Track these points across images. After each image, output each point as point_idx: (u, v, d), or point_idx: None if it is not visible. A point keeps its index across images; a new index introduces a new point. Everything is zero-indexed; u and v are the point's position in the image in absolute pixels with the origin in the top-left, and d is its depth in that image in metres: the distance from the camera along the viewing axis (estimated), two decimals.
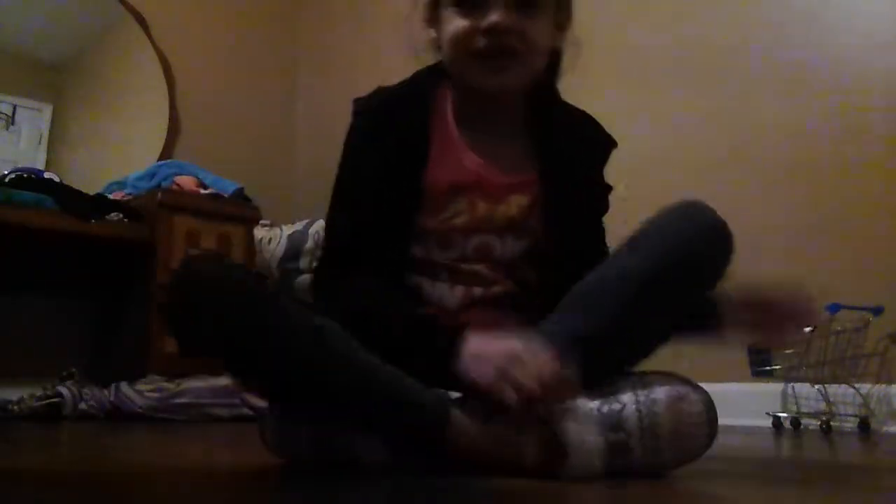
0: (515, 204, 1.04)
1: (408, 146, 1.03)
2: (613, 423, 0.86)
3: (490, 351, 0.86)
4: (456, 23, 0.99)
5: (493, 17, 0.95)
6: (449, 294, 1.02)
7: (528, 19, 0.97)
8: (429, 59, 1.09)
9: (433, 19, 1.06)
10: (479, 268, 1.02)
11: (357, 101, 1.08)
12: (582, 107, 1.13)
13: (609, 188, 1.13)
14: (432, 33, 1.06)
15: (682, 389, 0.89)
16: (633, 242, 0.93)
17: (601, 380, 0.89)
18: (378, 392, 0.86)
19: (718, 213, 0.93)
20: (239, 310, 0.85)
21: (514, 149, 1.07)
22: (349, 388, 0.86)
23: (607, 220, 1.14)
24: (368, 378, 0.87)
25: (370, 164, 1.03)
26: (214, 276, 0.88)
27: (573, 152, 1.07)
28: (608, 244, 1.12)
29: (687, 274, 0.90)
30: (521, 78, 1.01)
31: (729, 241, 0.91)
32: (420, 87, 1.08)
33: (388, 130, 1.04)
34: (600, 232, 1.13)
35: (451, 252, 1.02)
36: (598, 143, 1.11)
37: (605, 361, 0.89)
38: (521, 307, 1.02)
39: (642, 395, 0.88)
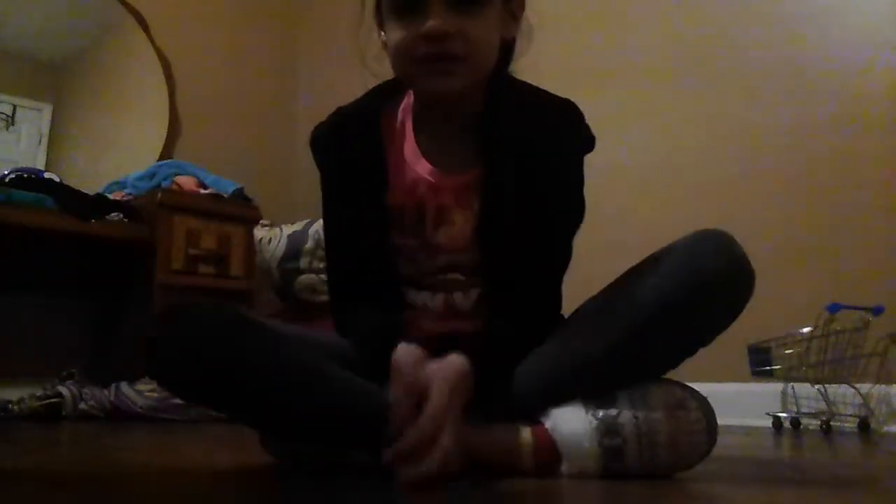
0: (462, 221, 1.00)
1: (363, 166, 1.01)
2: (609, 428, 0.86)
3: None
4: (397, 33, 0.95)
5: (431, 22, 0.91)
6: (431, 301, 1.02)
7: (470, 19, 0.92)
8: (378, 66, 1.05)
9: (381, 23, 1.02)
10: (455, 276, 1.01)
11: (314, 129, 1.07)
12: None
13: (575, 184, 1.02)
14: (383, 36, 1.02)
15: (681, 395, 0.89)
16: (652, 267, 0.90)
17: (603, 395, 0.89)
18: (366, 414, 0.86)
19: (736, 237, 0.90)
20: (213, 360, 0.85)
21: (466, 145, 1.01)
22: (335, 415, 0.87)
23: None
24: (354, 402, 0.87)
25: (334, 189, 1.04)
26: (189, 332, 0.86)
27: (523, 140, 0.98)
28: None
29: (704, 307, 0.87)
30: (469, 78, 0.96)
31: (751, 278, 0.87)
32: (373, 103, 1.05)
33: (342, 152, 1.02)
34: (555, 229, 1.01)
35: (423, 266, 1.02)
36: (559, 132, 1.00)
37: (610, 383, 0.89)
38: (502, 307, 0.99)
39: (640, 401, 0.87)
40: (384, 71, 1.04)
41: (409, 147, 1.03)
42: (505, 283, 0.97)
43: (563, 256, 1.01)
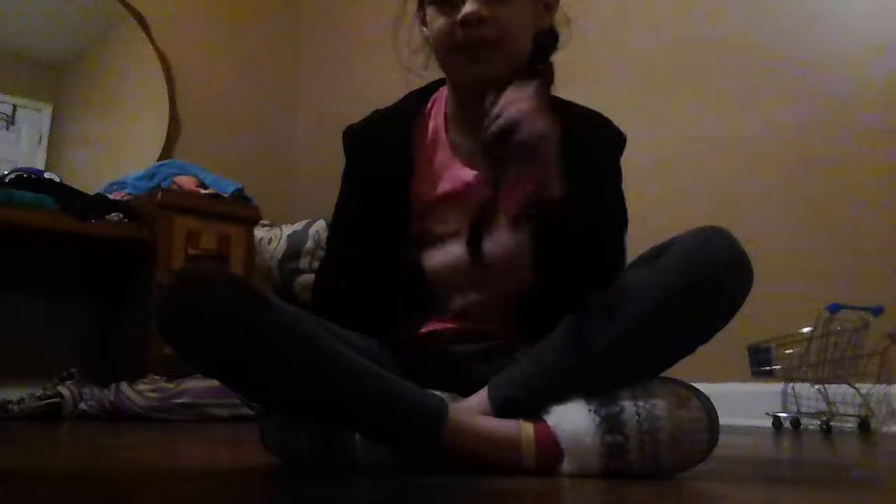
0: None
1: (390, 161, 1.06)
2: (611, 425, 0.86)
3: None
4: (437, 21, 1.02)
5: (465, 8, 0.97)
6: (451, 299, 1.01)
7: (502, 5, 0.98)
8: (416, 65, 1.11)
9: (424, 19, 1.08)
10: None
11: (347, 127, 1.12)
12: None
13: (614, 183, 1.06)
14: (426, 32, 1.08)
15: (684, 395, 0.89)
16: (651, 262, 0.90)
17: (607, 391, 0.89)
18: (373, 398, 0.86)
19: (736, 236, 0.90)
20: (232, 326, 0.85)
21: None
22: (345, 395, 0.86)
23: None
24: (364, 384, 0.87)
25: (358, 182, 1.10)
26: (205, 292, 0.86)
27: (571, 144, 0.97)
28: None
29: (703, 302, 0.87)
30: (501, 65, 1.00)
31: (749, 272, 0.88)
32: (408, 105, 1.11)
33: (372, 148, 1.09)
34: (606, 219, 1.01)
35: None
36: (600, 134, 1.07)
37: (610, 380, 0.89)
38: (523, 303, 0.99)
39: (642, 398, 0.87)
40: (426, 73, 1.10)
41: (444, 148, 1.07)
42: (547, 279, 0.94)
43: (613, 254, 0.99)
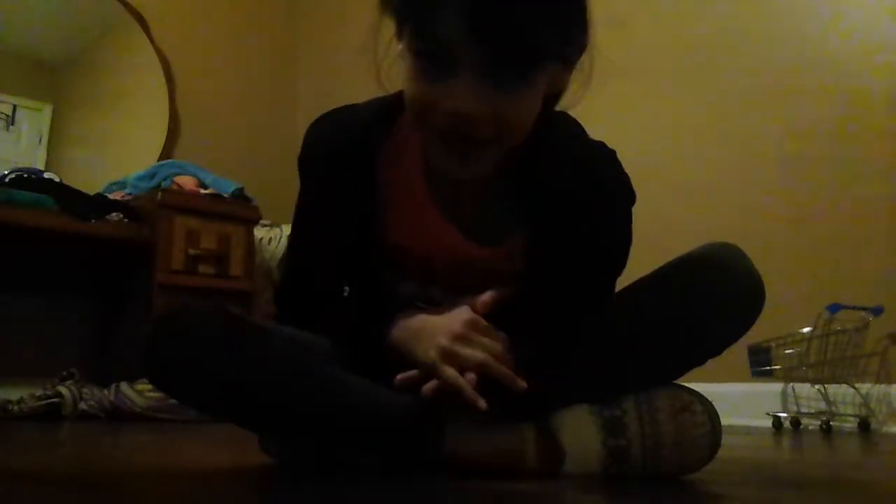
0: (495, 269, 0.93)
1: (355, 199, 0.92)
2: (613, 429, 0.86)
3: (431, 328, 0.86)
4: (413, 84, 0.79)
5: (457, 98, 0.74)
6: None
7: (510, 96, 0.76)
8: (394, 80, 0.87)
9: (400, 33, 0.83)
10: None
11: (308, 132, 0.99)
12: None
13: (623, 237, 0.94)
14: (400, 48, 0.83)
15: (687, 399, 0.89)
16: (663, 285, 0.89)
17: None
18: (370, 415, 0.86)
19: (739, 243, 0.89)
20: (221, 363, 0.83)
21: (497, 201, 0.91)
22: (341, 414, 0.86)
23: None
24: (358, 402, 0.86)
25: (319, 212, 1.00)
26: (188, 339, 0.84)
27: (569, 199, 0.89)
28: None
29: (716, 330, 0.88)
30: (497, 159, 0.83)
31: (762, 298, 0.88)
32: (373, 125, 0.92)
33: (334, 178, 0.95)
34: (596, 274, 0.93)
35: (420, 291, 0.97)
36: (604, 192, 0.92)
37: (615, 392, 0.88)
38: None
39: (645, 402, 0.87)
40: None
41: (418, 190, 0.91)
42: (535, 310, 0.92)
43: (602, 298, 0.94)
